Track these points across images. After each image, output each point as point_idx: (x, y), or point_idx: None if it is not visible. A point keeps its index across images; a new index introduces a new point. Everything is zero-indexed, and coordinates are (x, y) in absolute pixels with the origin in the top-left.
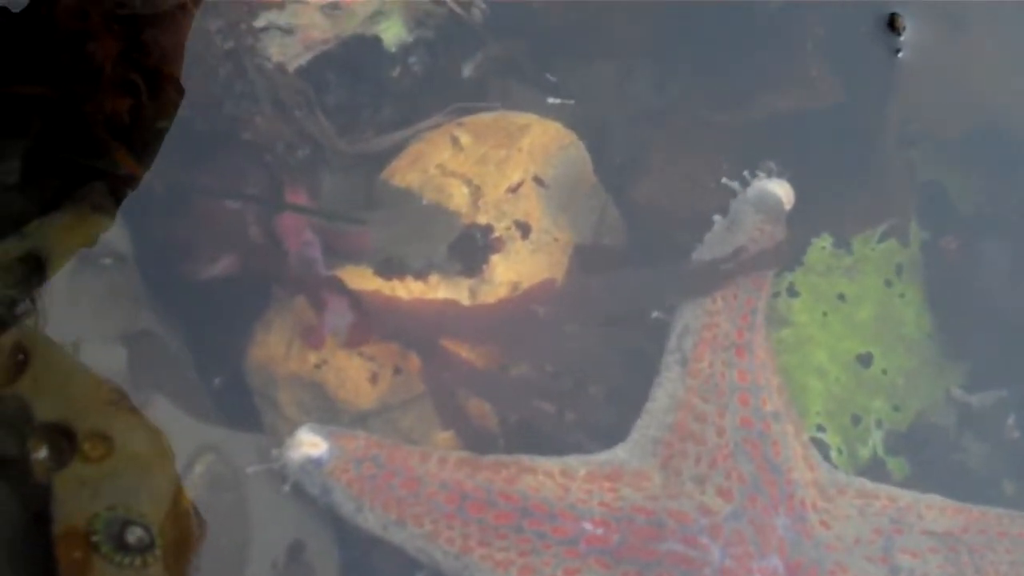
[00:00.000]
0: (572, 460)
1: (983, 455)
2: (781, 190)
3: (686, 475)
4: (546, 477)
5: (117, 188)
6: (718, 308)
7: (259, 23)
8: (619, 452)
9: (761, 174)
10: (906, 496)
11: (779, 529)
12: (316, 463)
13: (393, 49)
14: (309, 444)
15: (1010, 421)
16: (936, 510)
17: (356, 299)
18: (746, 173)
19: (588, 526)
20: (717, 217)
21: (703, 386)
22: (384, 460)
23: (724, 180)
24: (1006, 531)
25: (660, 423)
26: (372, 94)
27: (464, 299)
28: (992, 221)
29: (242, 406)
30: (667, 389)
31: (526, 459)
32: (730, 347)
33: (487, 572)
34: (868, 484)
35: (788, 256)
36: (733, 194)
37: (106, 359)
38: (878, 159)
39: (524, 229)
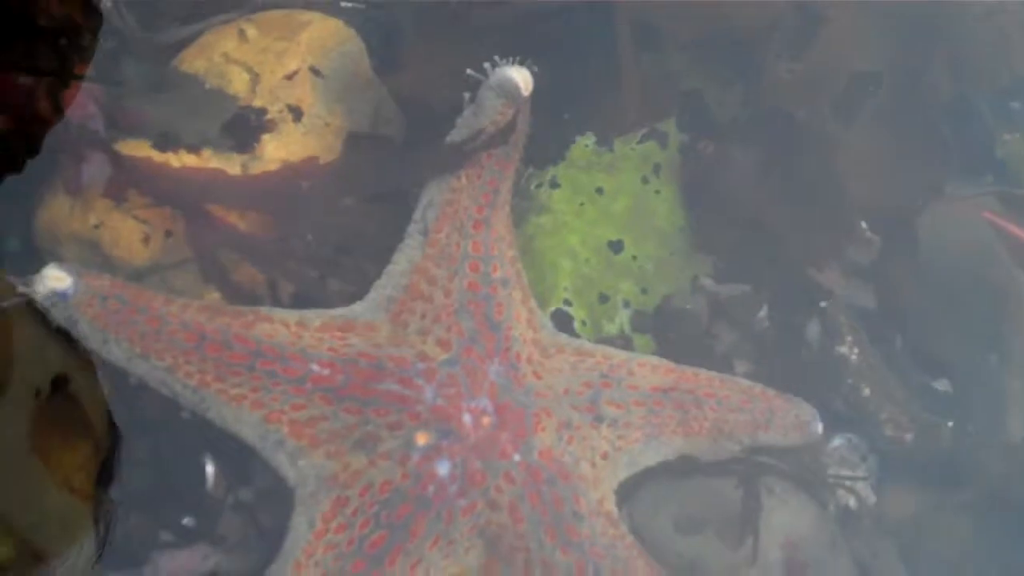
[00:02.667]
0: (310, 313)
1: (731, 341)
2: (519, 76)
3: (412, 328)
4: (282, 325)
5: None
6: (461, 185)
7: None
8: (356, 307)
9: (502, 62)
10: (621, 355)
11: (491, 375)
12: (62, 296)
13: None
14: (54, 279)
15: (762, 313)
16: (648, 368)
17: (116, 157)
18: (487, 64)
19: (315, 367)
20: (467, 100)
21: (438, 254)
22: (129, 298)
23: (469, 71)
24: (714, 392)
25: (396, 284)
26: None
27: (234, 171)
28: (744, 128)
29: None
30: (406, 255)
31: (265, 310)
32: (468, 221)
33: (222, 405)
34: (588, 345)
35: (523, 137)
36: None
37: None
38: (625, 65)
39: (296, 113)
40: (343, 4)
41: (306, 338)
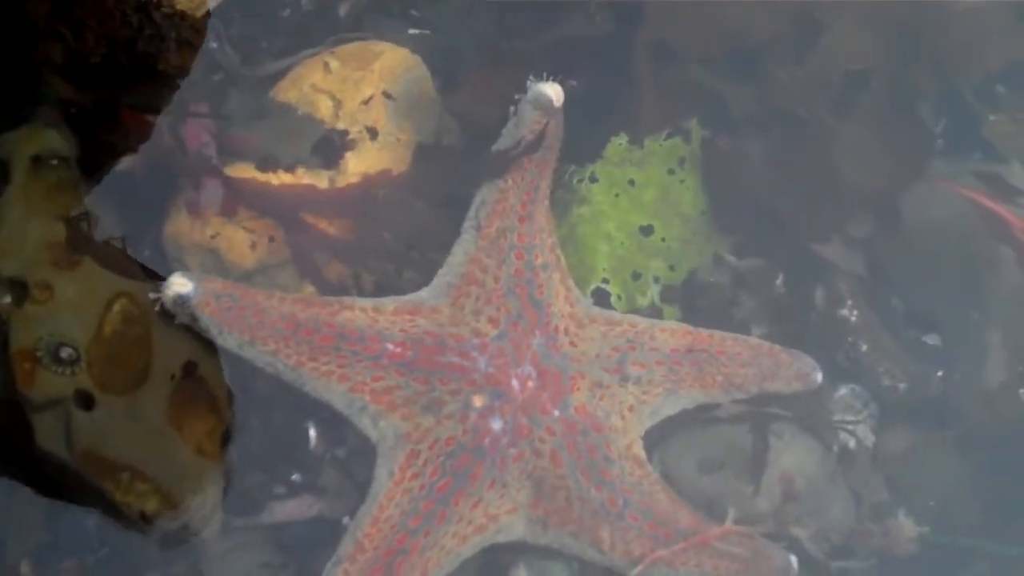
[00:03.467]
0: (385, 300)
1: (750, 307)
2: (552, 90)
3: (467, 309)
4: (361, 312)
5: (62, 109)
6: (508, 186)
7: None
8: (422, 293)
9: (538, 79)
10: (645, 322)
11: (534, 346)
12: (185, 298)
13: None
14: (179, 284)
15: (778, 281)
16: (668, 332)
17: (227, 180)
18: (528, 82)
19: (390, 346)
20: (511, 114)
21: (489, 246)
22: (238, 296)
23: (517, 97)
24: (726, 350)
25: (454, 272)
26: (268, 29)
27: (323, 185)
28: (757, 125)
29: (163, 270)
30: (463, 247)
31: (348, 299)
32: (514, 216)
33: (315, 380)
34: (616, 315)
35: (559, 141)
36: None
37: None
38: (645, 75)
39: (373, 132)
40: (410, 32)
41: (381, 321)
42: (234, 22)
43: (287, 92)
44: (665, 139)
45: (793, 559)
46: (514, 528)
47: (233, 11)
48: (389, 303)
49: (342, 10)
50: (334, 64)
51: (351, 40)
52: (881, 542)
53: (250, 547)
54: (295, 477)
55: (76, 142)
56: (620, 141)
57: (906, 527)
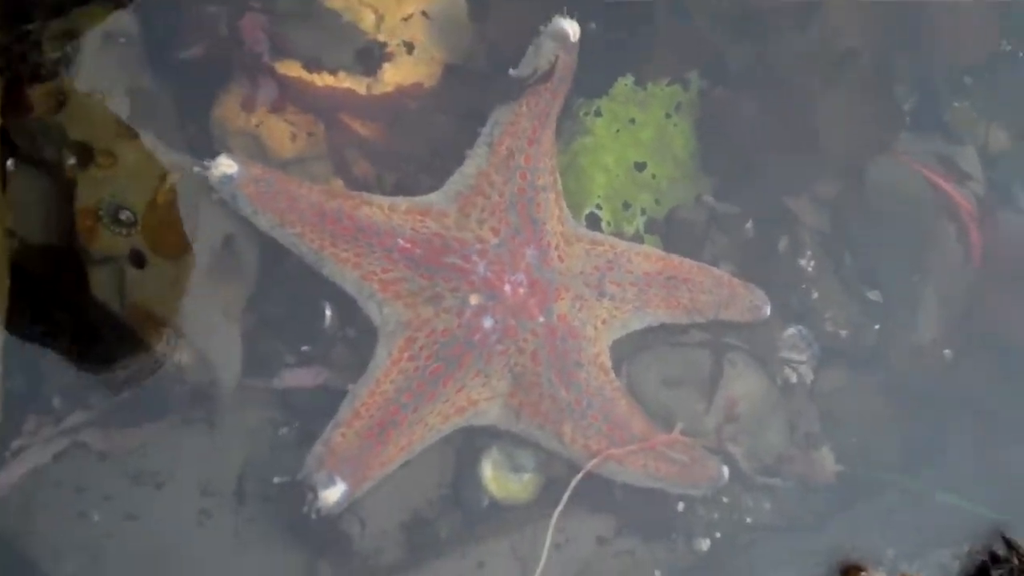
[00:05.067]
0: (400, 199)
1: (722, 245)
2: (569, 26)
3: (472, 217)
4: (378, 208)
5: None
6: (522, 111)
7: None
8: (432, 197)
9: (560, 16)
10: (624, 245)
11: (527, 257)
12: (229, 178)
13: None
14: (226, 165)
15: (748, 225)
16: (643, 256)
17: (281, 80)
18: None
19: (401, 242)
20: (531, 44)
21: (499, 164)
22: (274, 182)
23: (539, 28)
24: (692, 277)
25: (464, 183)
26: None
27: (362, 91)
28: (751, 83)
29: (207, 147)
30: (475, 161)
31: (367, 195)
32: (524, 138)
33: (332, 265)
34: (600, 236)
35: (571, 74)
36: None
37: (117, 106)
38: (660, 26)
39: (409, 47)
40: None
41: (395, 219)
42: None
43: (335, 1)
44: (667, 85)
45: (725, 469)
46: (490, 414)
47: None
48: (403, 203)
49: None
50: None
51: None
52: (804, 468)
53: (259, 405)
54: (306, 348)
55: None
56: (626, 82)
57: (828, 459)
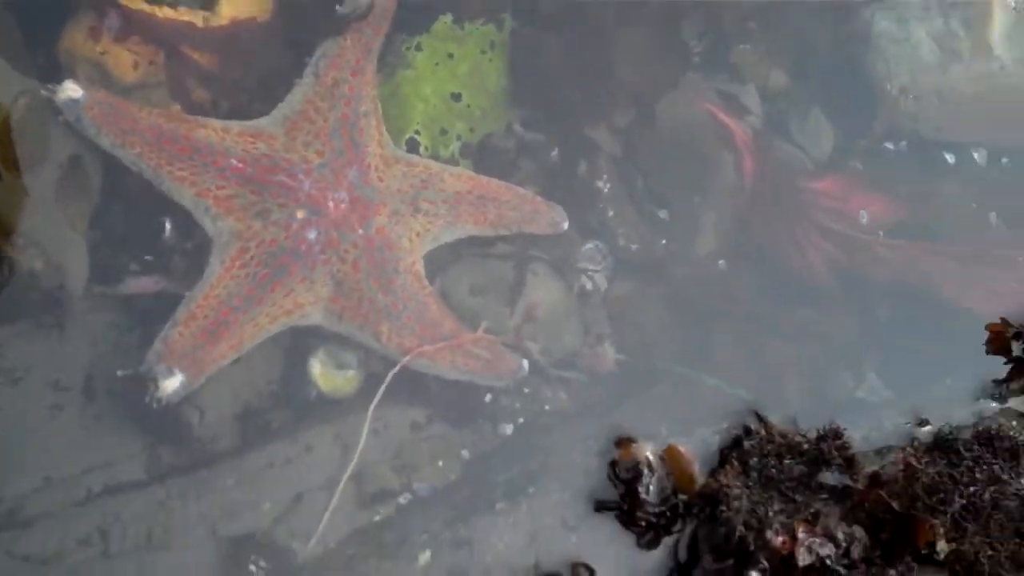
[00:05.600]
0: (233, 123)
1: (530, 170)
2: None
3: (299, 141)
4: (213, 131)
5: None
6: (347, 44)
7: None
8: (262, 121)
9: None
10: (437, 167)
11: (349, 176)
12: (75, 102)
13: None
14: (71, 90)
15: (554, 154)
16: (455, 176)
17: (126, 12)
18: None
19: (233, 161)
20: None
21: (324, 92)
22: (116, 106)
23: None
24: (499, 196)
25: (292, 109)
26: None
27: (199, 23)
28: (556, 23)
29: (55, 73)
30: (302, 89)
31: (203, 119)
32: (348, 70)
33: (171, 182)
34: (416, 158)
35: (391, 12)
36: None
37: None
38: None
39: None
40: None
41: (228, 141)
42: None
43: None
44: (482, 24)
45: (525, 363)
46: (314, 316)
47: None
48: (236, 126)
49: None
50: None
51: None
52: (591, 361)
53: (105, 310)
54: (148, 258)
55: None
56: (445, 20)
57: (609, 352)
